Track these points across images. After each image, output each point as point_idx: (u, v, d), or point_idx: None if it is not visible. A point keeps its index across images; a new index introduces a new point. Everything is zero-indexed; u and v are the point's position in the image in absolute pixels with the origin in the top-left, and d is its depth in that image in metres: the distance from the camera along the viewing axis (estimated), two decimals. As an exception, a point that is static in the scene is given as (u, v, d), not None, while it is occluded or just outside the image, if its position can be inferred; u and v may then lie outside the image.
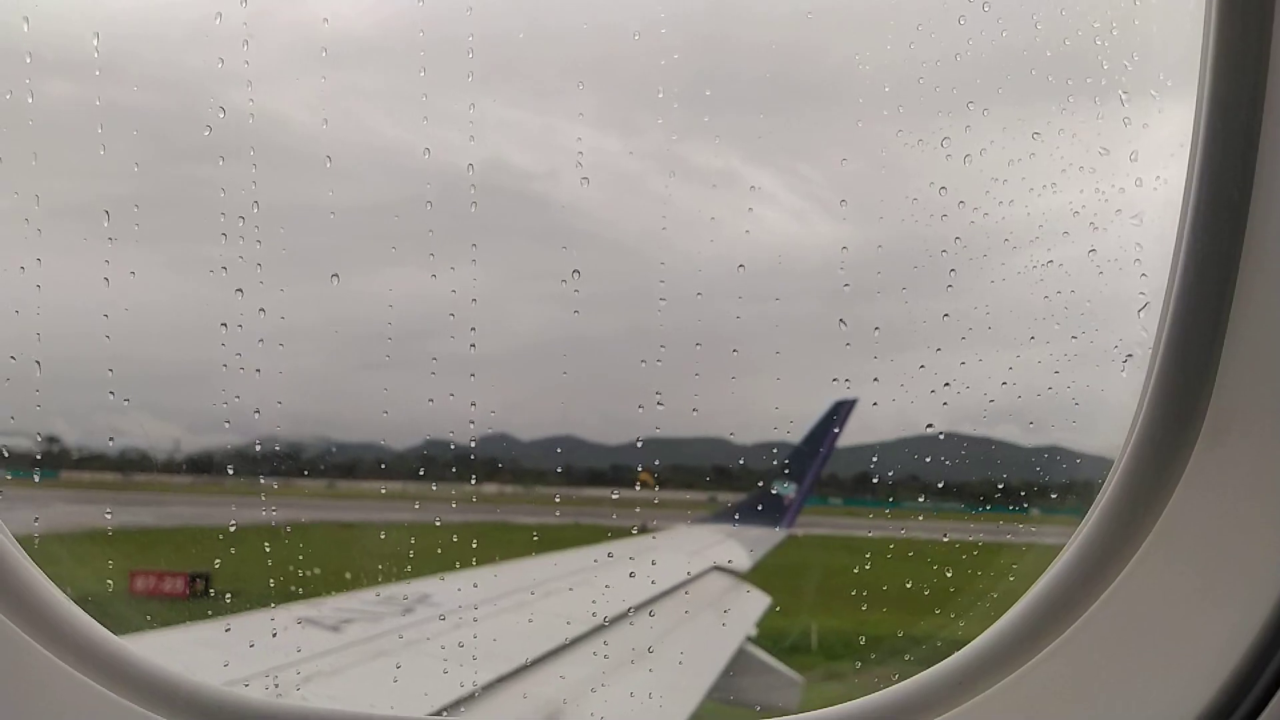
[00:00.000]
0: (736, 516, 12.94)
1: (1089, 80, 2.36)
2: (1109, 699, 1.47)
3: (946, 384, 3.33)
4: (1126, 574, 1.47)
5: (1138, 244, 1.94)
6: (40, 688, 1.54)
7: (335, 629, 4.12)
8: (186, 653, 3.66)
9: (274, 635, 3.98)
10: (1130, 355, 1.78)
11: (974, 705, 1.54)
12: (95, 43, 2.72)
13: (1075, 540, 1.55)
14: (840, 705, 1.65)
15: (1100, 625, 1.48)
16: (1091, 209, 2.56)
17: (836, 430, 13.56)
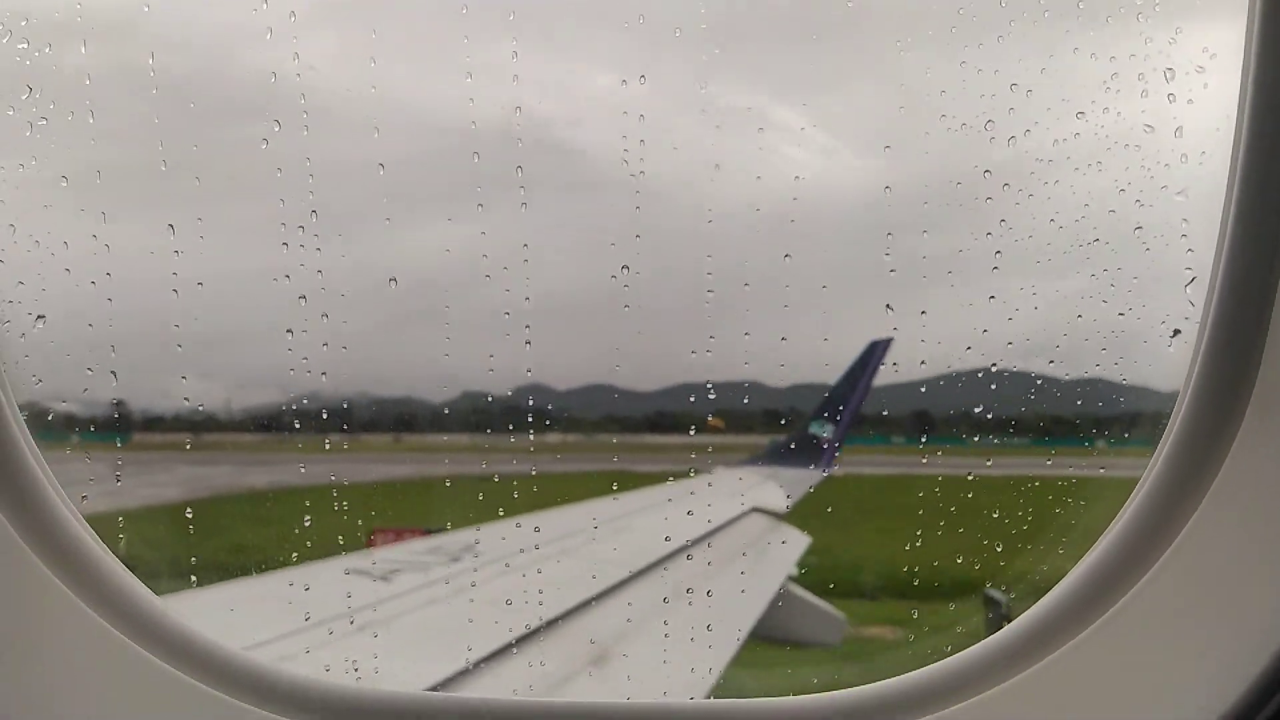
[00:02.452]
0: (776, 458, 12.97)
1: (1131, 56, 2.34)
2: (1159, 673, 1.46)
3: (982, 329, 3.30)
4: (1176, 546, 1.46)
5: (1184, 219, 1.91)
6: (83, 649, 1.57)
7: (386, 579, 4.24)
8: (241, 609, 3.80)
9: (331, 588, 4.11)
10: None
11: (1026, 678, 1.54)
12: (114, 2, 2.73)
13: (1124, 513, 1.54)
14: (880, 683, 1.65)
15: (1150, 599, 1.47)
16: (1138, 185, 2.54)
17: (873, 370, 13.50)
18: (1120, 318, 2.94)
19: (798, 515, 9.23)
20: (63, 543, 1.56)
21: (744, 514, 8.13)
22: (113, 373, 2.72)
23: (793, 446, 13.23)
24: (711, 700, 1.64)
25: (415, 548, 5.14)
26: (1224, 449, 1.42)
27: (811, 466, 12.41)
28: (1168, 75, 2.04)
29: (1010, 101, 2.82)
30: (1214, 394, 1.41)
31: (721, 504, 8.42)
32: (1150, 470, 1.52)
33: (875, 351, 13.87)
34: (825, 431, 13.10)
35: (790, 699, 1.65)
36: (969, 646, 1.66)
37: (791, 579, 6.78)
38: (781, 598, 6.30)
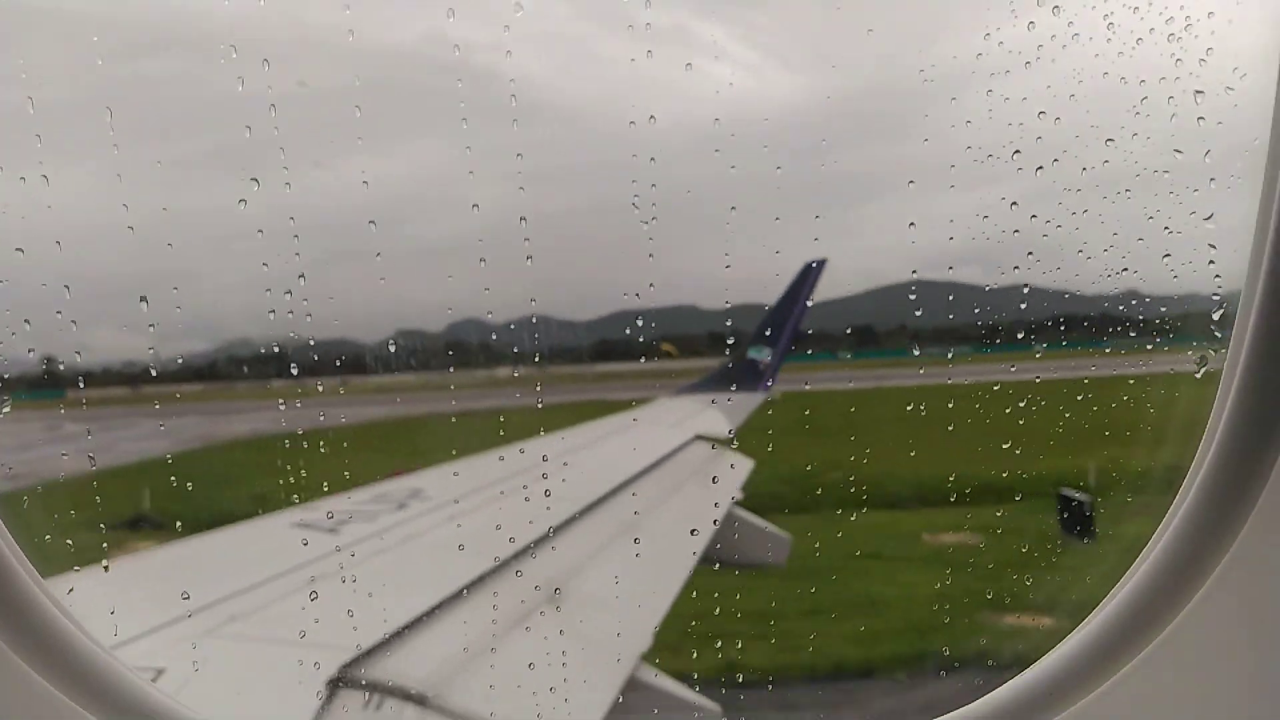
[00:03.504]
0: (716, 384, 13.13)
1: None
2: (1205, 706, 1.42)
3: (912, 225, 3.34)
4: (1220, 572, 1.40)
5: (1211, 245, 1.90)
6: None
7: (333, 530, 4.19)
8: (194, 564, 3.73)
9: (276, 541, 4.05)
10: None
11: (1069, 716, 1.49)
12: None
13: (1162, 536, 1.49)
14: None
15: (1193, 628, 1.41)
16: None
17: (808, 292, 13.65)
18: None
19: (741, 438, 9.40)
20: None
21: (687, 442, 8.23)
22: (26, 322, 2.59)
23: (732, 371, 13.39)
24: None
25: (360, 496, 5.09)
26: (1267, 464, 1.37)
27: (752, 389, 12.60)
28: (1197, 98, 2.01)
29: (1038, 129, 2.79)
30: (1255, 409, 1.36)
31: (665, 433, 8.51)
32: (1188, 488, 1.46)
33: (809, 273, 14.01)
34: (764, 355, 13.27)
35: None
36: (1000, 686, 1.61)
37: (737, 503, 6.92)
38: (729, 522, 6.44)
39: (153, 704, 1.53)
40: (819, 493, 24.35)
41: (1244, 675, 1.41)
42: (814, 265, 14.05)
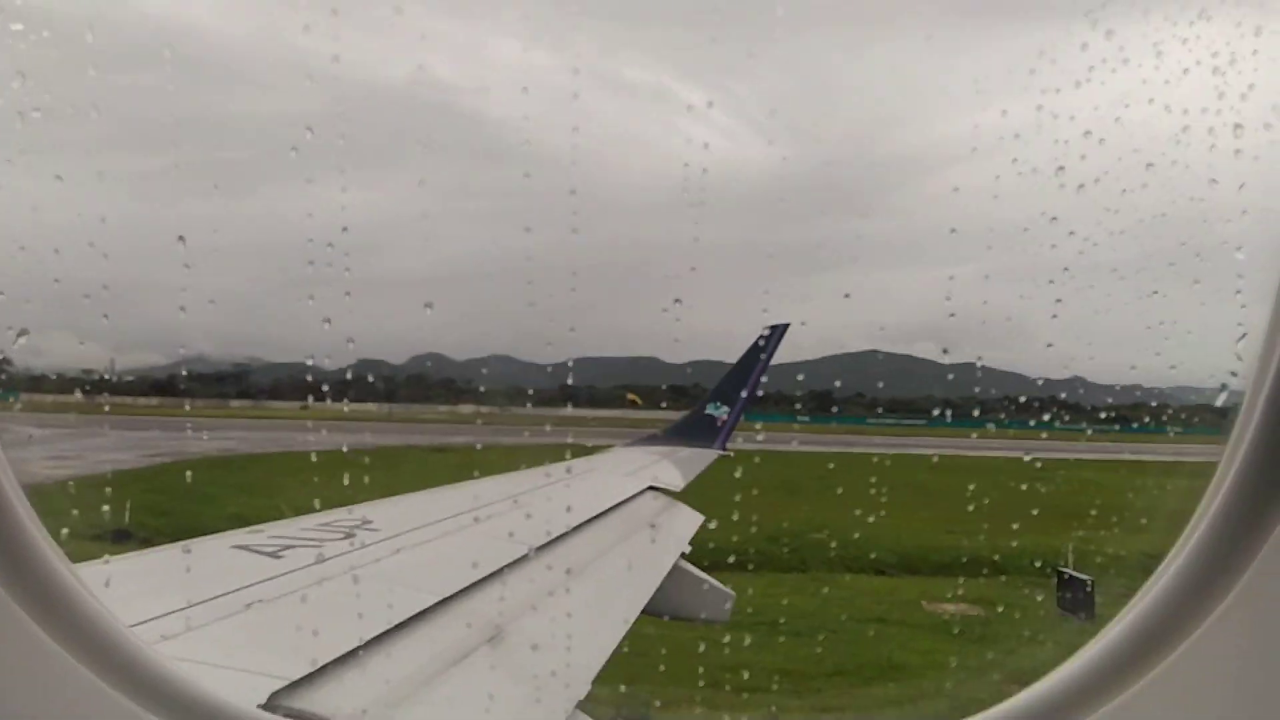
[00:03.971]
0: (673, 437, 13.18)
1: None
2: None
3: (848, 297, 3.41)
4: (1243, 585, 1.37)
5: (1239, 275, 1.94)
6: (53, 688, 1.44)
7: (275, 555, 4.12)
8: (126, 583, 3.63)
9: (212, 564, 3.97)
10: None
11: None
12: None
13: (1184, 547, 1.47)
14: None
15: (1213, 643, 1.39)
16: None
17: (770, 353, 13.83)
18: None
19: (692, 493, 9.43)
20: (28, 570, 1.43)
21: (640, 492, 8.23)
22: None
23: (690, 425, 13.47)
24: None
25: (306, 523, 5.01)
26: (1272, 517, 1.34)
27: (708, 445, 12.67)
28: (1237, 131, 2.05)
29: (1083, 149, 2.86)
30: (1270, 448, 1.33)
31: (619, 482, 8.51)
32: (1211, 500, 1.45)
33: (771, 335, 14.24)
34: (721, 411, 13.38)
35: None
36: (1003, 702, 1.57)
37: (684, 556, 6.92)
38: (675, 575, 6.43)
39: (173, 680, 1.53)
40: (800, 552, 24.37)
41: (1258, 692, 1.38)
42: (776, 328, 14.31)
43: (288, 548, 4.25)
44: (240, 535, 4.49)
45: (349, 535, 4.70)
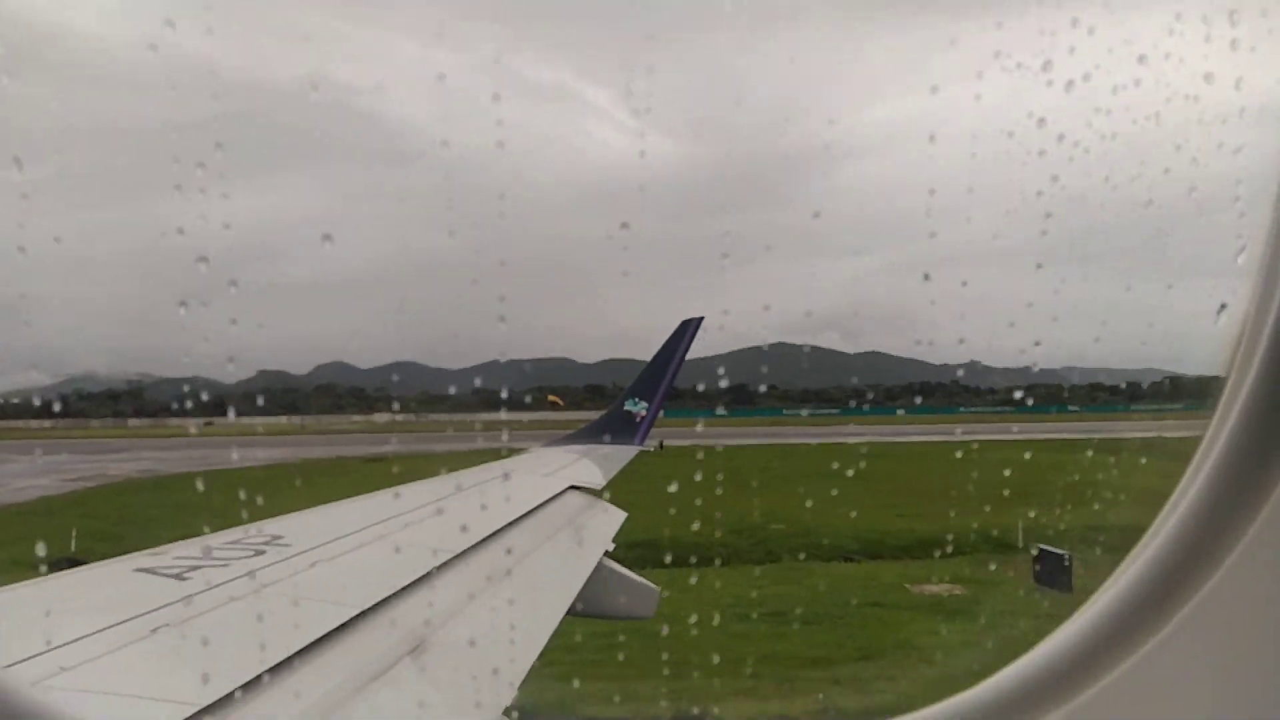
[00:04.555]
0: (592, 434, 13.16)
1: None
2: (1225, 687, 1.34)
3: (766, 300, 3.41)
4: (1243, 546, 1.31)
5: (1238, 180, 1.80)
6: None
7: (180, 577, 3.94)
8: (29, 612, 3.43)
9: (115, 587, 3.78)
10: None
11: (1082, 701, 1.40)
12: None
13: (1178, 504, 1.43)
14: (932, 706, 1.53)
15: (1213, 608, 1.34)
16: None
17: (685, 347, 13.95)
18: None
19: (623, 490, 9.46)
20: None
21: (561, 492, 8.18)
22: None
23: (608, 423, 13.48)
24: None
25: (213, 542, 4.81)
26: (1270, 482, 1.30)
27: (628, 441, 12.70)
28: (1233, 18, 1.86)
29: (1071, 40, 2.63)
30: (1265, 416, 1.29)
31: (539, 483, 8.44)
32: (1197, 472, 1.41)
33: (686, 329, 14.36)
34: (640, 407, 13.42)
35: None
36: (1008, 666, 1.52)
37: (608, 554, 6.91)
38: (599, 573, 6.41)
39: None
40: (763, 543, 24.52)
41: (1265, 655, 1.33)
42: (691, 322, 14.44)
43: (194, 568, 4.08)
44: (142, 558, 4.28)
45: (259, 552, 4.53)
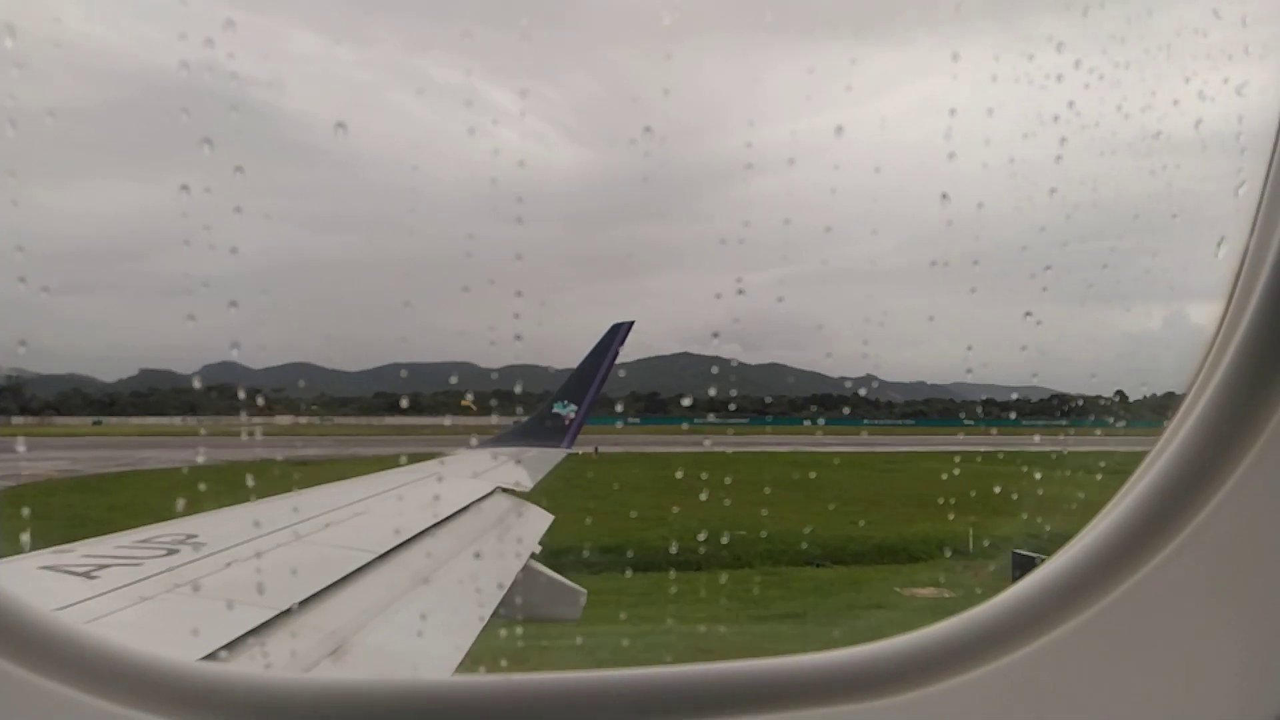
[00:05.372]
0: (518, 437, 13.06)
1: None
2: (1178, 655, 1.35)
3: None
4: (1212, 509, 1.35)
5: (1240, 116, 1.80)
6: None
7: (89, 575, 3.77)
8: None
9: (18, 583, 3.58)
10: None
11: (1035, 649, 1.41)
12: None
13: (1150, 469, 1.43)
14: (874, 645, 1.52)
15: (1175, 570, 1.36)
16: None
17: (615, 352, 13.96)
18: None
19: (541, 492, 9.41)
20: None
21: (488, 494, 8.10)
22: None
23: (535, 425, 13.39)
24: (705, 665, 1.44)
25: (122, 541, 4.62)
26: (1269, 408, 1.31)
27: (555, 444, 12.63)
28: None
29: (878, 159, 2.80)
30: (1267, 341, 1.29)
31: (465, 485, 8.34)
32: (1179, 425, 1.41)
33: (616, 333, 14.37)
34: (568, 410, 13.38)
35: (792, 659, 1.49)
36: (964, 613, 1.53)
37: (534, 556, 6.87)
38: (525, 575, 6.36)
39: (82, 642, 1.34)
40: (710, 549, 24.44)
41: (1263, 574, 1.35)
42: (620, 326, 14.45)
43: (103, 567, 3.90)
44: (48, 555, 4.09)
45: (172, 551, 4.37)
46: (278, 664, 3.21)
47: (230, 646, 3.13)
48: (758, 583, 21.90)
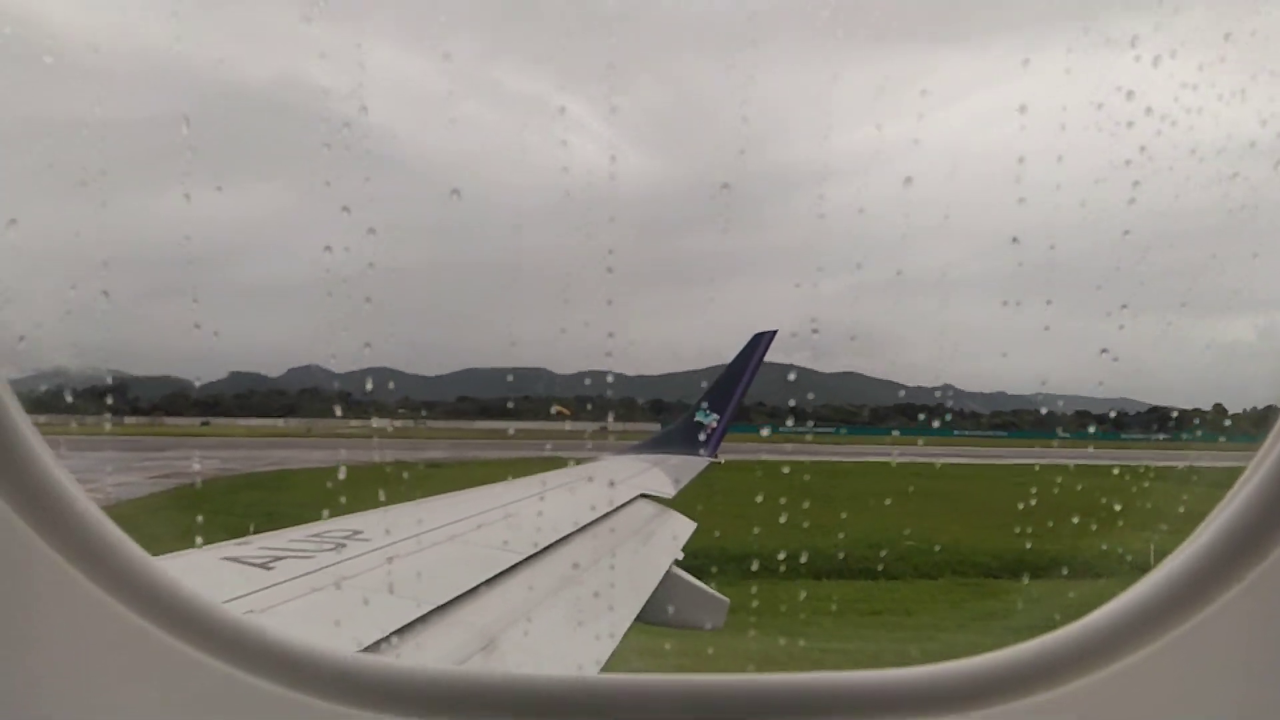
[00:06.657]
0: (660, 445, 13.16)
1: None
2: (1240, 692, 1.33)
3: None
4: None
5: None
6: (79, 620, 1.40)
7: (265, 566, 4.07)
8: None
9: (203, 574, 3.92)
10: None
11: (1102, 678, 1.39)
12: None
13: (1226, 508, 1.41)
14: (960, 660, 1.52)
15: (1240, 610, 1.33)
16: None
17: (758, 361, 13.84)
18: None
19: (684, 500, 9.43)
20: (56, 510, 1.42)
21: (631, 500, 8.20)
22: None
23: (679, 433, 13.46)
24: (779, 675, 1.53)
25: (295, 535, 4.96)
26: None
27: (697, 452, 12.66)
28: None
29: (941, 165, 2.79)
30: None
31: (607, 491, 8.48)
32: (1275, 441, 1.39)
33: (759, 342, 14.23)
34: (710, 419, 13.37)
35: (866, 673, 1.51)
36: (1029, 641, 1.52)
37: (677, 563, 6.89)
38: (668, 582, 6.40)
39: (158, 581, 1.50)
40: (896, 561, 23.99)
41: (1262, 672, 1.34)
42: (763, 335, 14.32)
43: (278, 559, 4.20)
44: (230, 547, 4.44)
45: (340, 546, 4.65)
46: (431, 657, 3.37)
47: (390, 637, 3.30)
48: (961, 594, 21.12)
